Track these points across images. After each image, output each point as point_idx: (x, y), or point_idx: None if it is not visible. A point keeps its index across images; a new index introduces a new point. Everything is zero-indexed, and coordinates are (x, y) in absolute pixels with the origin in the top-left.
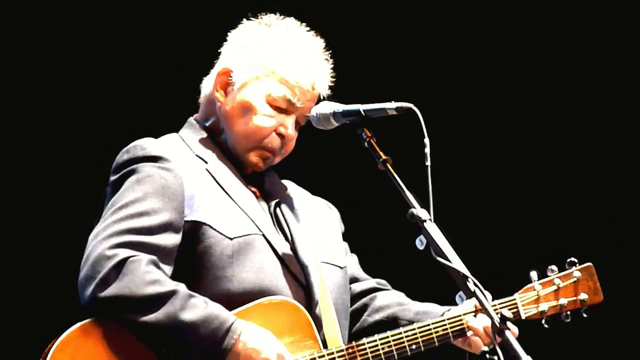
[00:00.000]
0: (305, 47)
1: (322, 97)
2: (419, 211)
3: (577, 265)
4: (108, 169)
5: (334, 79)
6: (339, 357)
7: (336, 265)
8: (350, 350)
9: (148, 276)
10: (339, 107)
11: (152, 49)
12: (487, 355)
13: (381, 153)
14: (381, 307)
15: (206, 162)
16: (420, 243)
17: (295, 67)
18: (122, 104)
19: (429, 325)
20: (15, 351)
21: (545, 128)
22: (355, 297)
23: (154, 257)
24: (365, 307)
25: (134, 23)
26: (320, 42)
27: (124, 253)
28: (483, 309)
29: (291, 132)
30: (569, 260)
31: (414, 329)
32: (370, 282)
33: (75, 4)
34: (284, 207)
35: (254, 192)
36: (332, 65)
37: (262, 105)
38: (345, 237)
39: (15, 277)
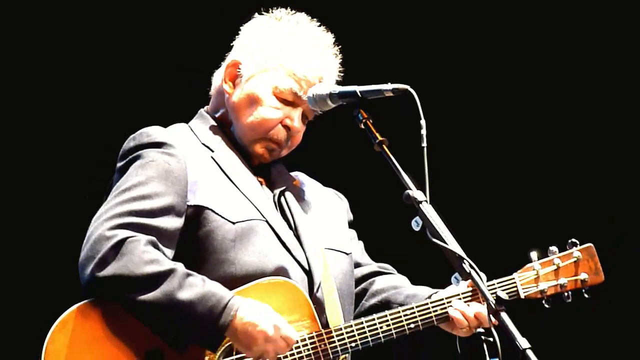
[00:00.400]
0: (314, 41)
1: None
2: (415, 192)
3: (578, 245)
4: (108, 169)
5: (342, 73)
6: (337, 335)
7: (341, 252)
8: (348, 329)
9: (146, 256)
10: (336, 88)
11: (152, 48)
12: (483, 337)
13: (377, 134)
14: (377, 291)
15: (212, 151)
16: (416, 224)
17: (303, 60)
18: (122, 104)
19: (427, 304)
20: (19, 332)
21: (545, 127)
22: (356, 282)
23: (152, 238)
24: (364, 291)
25: (134, 23)
26: (330, 37)
27: (123, 234)
28: (478, 290)
29: (297, 124)
30: (569, 240)
31: (412, 308)
32: (371, 267)
33: (76, 3)
34: (288, 195)
35: (259, 181)
36: (340, 58)
37: (269, 97)
38: (355, 225)
39: (16, 273)
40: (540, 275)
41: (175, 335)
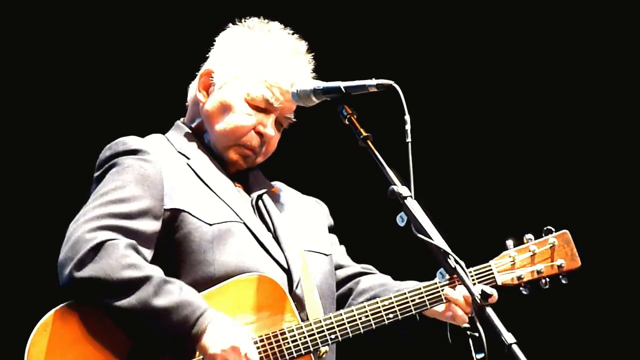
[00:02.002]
0: (286, 48)
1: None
2: (399, 188)
3: (554, 232)
4: None
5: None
6: (316, 328)
7: (321, 253)
8: (327, 322)
9: (124, 260)
10: (320, 84)
11: (152, 51)
12: (469, 332)
13: (362, 130)
14: (364, 289)
15: (188, 158)
16: (400, 220)
17: (275, 67)
18: (122, 105)
19: (405, 294)
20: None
21: (540, 122)
22: (340, 282)
23: (132, 242)
24: (350, 291)
25: (135, 26)
26: (303, 45)
27: (102, 236)
28: (464, 286)
29: (269, 131)
30: (545, 228)
31: (391, 299)
32: (355, 268)
33: (75, 5)
34: (266, 198)
35: (237, 187)
36: (315, 61)
37: (241, 104)
38: (338, 226)
39: (13, 272)
40: (516, 261)
41: (150, 340)
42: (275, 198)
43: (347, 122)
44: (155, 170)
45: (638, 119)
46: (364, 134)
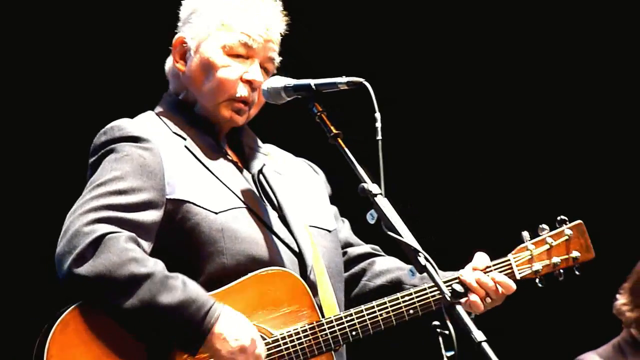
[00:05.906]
0: None
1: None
2: (370, 185)
3: (568, 223)
4: None
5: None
6: (337, 325)
7: (325, 229)
8: (348, 318)
9: (126, 254)
10: (291, 81)
11: (151, 45)
12: (438, 330)
13: (332, 127)
14: (382, 271)
15: (184, 139)
16: (371, 217)
17: (245, 13)
18: (120, 101)
19: (425, 289)
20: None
21: (550, 115)
22: (351, 262)
23: (132, 234)
24: (363, 271)
25: (136, 23)
26: None
27: (102, 229)
28: (434, 283)
29: (257, 76)
30: (559, 218)
31: (411, 294)
32: (365, 247)
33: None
34: (268, 173)
35: (235, 162)
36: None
37: (221, 57)
38: (333, 200)
39: (11, 272)
40: (534, 255)
41: (155, 339)
42: (273, 169)
43: (317, 120)
44: (155, 158)
45: None
46: (335, 131)
